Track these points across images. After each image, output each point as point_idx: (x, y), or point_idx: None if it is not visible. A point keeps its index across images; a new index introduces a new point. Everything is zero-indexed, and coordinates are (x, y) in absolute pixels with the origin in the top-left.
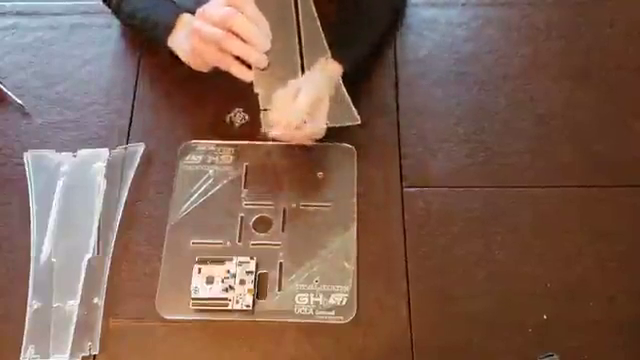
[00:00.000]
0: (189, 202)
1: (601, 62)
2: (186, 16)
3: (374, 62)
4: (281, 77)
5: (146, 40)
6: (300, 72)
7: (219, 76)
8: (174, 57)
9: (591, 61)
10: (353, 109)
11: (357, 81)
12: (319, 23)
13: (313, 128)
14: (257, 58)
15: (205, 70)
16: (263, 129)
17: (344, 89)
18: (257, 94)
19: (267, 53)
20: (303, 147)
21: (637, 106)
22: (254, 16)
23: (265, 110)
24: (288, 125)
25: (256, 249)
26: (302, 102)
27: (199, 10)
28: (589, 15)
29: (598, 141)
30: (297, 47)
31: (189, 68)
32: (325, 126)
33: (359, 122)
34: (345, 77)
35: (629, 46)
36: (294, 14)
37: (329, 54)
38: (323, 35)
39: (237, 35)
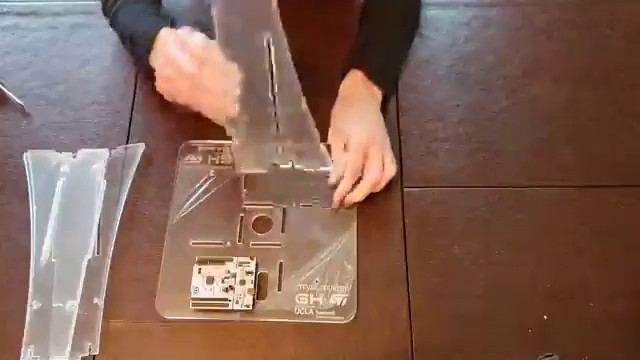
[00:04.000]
0: (189, 202)
1: (601, 63)
2: (162, 34)
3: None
4: (255, 122)
5: (136, 62)
6: (275, 121)
7: None
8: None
9: (591, 62)
10: (326, 157)
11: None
12: (294, 71)
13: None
14: (225, 108)
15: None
16: (237, 171)
17: (317, 136)
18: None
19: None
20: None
21: (637, 107)
22: (224, 70)
23: (239, 152)
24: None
25: (256, 249)
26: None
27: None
28: (589, 16)
29: (598, 141)
30: (270, 96)
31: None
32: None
33: (331, 168)
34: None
35: (629, 47)
36: (267, 64)
37: (304, 102)
38: (299, 83)
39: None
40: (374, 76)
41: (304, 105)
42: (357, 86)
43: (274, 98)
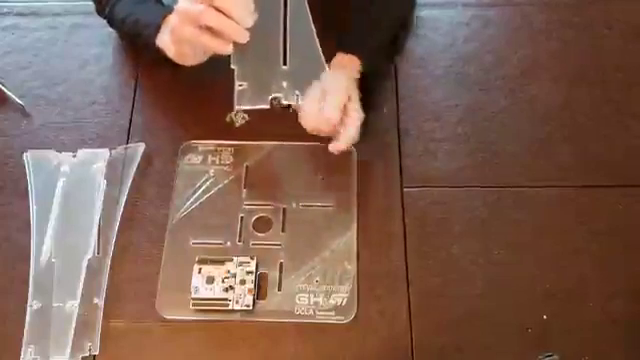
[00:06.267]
0: (189, 202)
1: (599, 63)
2: (171, 15)
3: (392, 50)
4: (261, 55)
5: (139, 45)
6: (282, 53)
7: (219, 76)
8: (165, 59)
9: (589, 62)
10: (322, 59)
11: (375, 71)
12: (307, 5)
13: (346, 137)
14: (237, 31)
15: (190, 62)
16: (236, 105)
17: (317, 42)
18: (233, 69)
19: (249, 29)
20: (303, 147)
21: (635, 106)
22: None
23: (240, 86)
24: (318, 130)
25: (256, 249)
26: (331, 113)
27: None
28: (587, 16)
29: (596, 141)
30: (281, 27)
31: (189, 68)
32: (357, 132)
33: (326, 69)
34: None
35: (626, 47)
36: None
37: (316, 38)
38: (311, 18)
39: (219, 11)
40: (365, 66)
41: (315, 35)
42: (350, 60)
43: (285, 29)
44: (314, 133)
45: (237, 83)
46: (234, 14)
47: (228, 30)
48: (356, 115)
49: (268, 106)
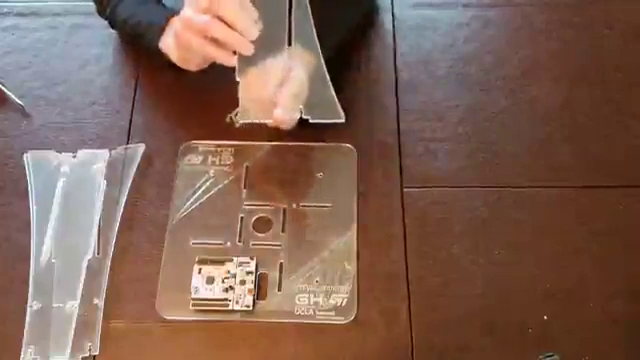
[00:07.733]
0: (189, 202)
1: (600, 63)
2: (176, 18)
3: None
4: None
5: (141, 47)
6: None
7: (220, 76)
8: (168, 62)
9: (589, 62)
10: (337, 106)
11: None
12: (311, 18)
13: (291, 116)
14: (242, 43)
15: (193, 67)
16: (239, 116)
17: (330, 84)
18: (238, 82)
19: (254, 42)
20: (303, 147)
21: (635, 106)
22: (241, 4)
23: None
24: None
25: (256, 249)
26: (285, 96)
27: (187, 1)
28: (587, 16)
29: (597, 141)
30: (286, 39)
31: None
32: (298, 115)
33: (343, 120)
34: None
35: (627, 47)
36: (286, 6)
37: (319, 52)
38: (315, 31)
39: (224, 22)
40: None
41: (319, 48)
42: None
43: (289, 42)
44: (254, 118)
45: (241, 96)
46: (238, 25)
47: (233, 42)
48: (296, 79)
49: (272, 120)
